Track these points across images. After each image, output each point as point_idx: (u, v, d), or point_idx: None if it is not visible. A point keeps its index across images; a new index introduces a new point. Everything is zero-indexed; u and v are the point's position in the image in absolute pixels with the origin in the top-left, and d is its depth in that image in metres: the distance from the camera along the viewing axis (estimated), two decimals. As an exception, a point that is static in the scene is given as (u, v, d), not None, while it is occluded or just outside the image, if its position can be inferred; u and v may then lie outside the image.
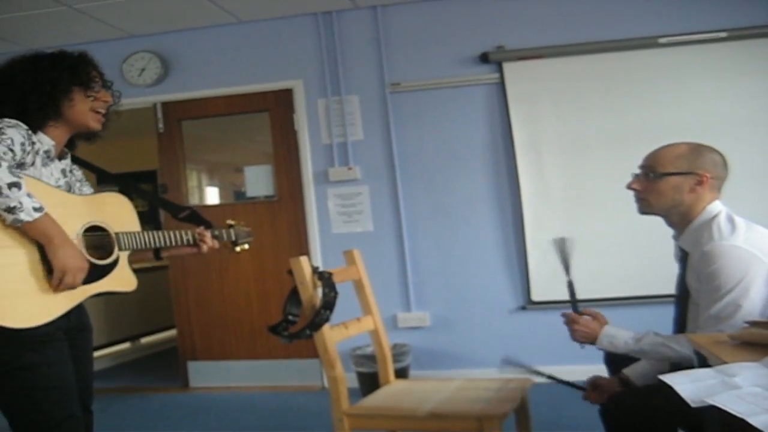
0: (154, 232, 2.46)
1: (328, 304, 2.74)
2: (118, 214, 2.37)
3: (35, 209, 1.97)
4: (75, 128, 2.28)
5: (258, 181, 5.57)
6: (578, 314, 2.52)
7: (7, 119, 2.06)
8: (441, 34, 5.13)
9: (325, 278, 2.79)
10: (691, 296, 2.32)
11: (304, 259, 2.79)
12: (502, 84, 4.99)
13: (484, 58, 5.01)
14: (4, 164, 1.93)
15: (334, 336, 2.81)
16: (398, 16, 5.19)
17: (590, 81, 4.88)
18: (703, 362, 1.86)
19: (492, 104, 5.05)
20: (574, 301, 2.59)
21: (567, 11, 4.95)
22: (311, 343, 2.78)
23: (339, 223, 5.28)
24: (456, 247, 5.12)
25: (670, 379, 1.52)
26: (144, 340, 7.32)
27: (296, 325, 2.76)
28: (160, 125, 5.60)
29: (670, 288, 2.57)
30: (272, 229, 5.42)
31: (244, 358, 5.49)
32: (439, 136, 5.13)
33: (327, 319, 2.74)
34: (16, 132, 2.03)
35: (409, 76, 5.17)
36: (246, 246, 2.91)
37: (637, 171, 2.45)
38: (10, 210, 1.93)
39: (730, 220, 2.25)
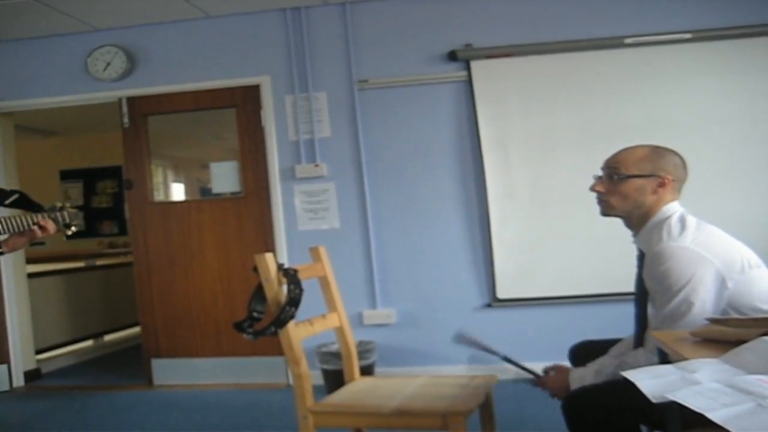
0: None
1: (294, 300, 2.73)
2: None
3: None
4: None
5: (224, 177, 5.52)
6: (541, 376, 2.66)
7: None
8: (409, 32, 5.13)
9: (291, 275, 2.78)
10: (650, 295, 2.35)
11: (269, 255, 2.77)
12: (469, 82, 5.01)
13: (452, 56, 5.03)
14: None
15: (299, 333, 2.80)
16: (367, 13, 5.18)
17: (557, 80, 4.92)
18: (665, 359, 1.89)
19: (459, 102, 5.06)
20: (525, 369, 2.74)
21: (535, 10, 4.98)
22: (276, 341, 2.77)
23: (305, 220, 5.26)
24: (422, 244, 5.13)
25: (632, 375, 1.53)
26: (108, 338, 7.21)
27: (261, 322, 2.75)
28: (126, 120, 5.53)
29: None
30: (238, 226, 5.39)
31: (208, 355, 5.45)
32: (407, 134, 5.13)
33: (292, 316, 2.73)
34: None
35: (377, 74, 5.16)
36: (75, 228, 2.66)
37: (599, 173, 2.47)
38: None
39: (681, 221, 2.28)
